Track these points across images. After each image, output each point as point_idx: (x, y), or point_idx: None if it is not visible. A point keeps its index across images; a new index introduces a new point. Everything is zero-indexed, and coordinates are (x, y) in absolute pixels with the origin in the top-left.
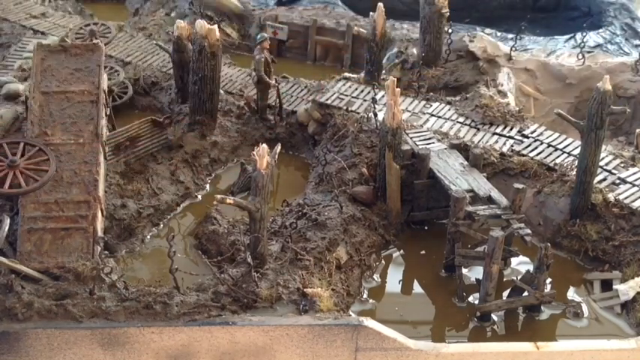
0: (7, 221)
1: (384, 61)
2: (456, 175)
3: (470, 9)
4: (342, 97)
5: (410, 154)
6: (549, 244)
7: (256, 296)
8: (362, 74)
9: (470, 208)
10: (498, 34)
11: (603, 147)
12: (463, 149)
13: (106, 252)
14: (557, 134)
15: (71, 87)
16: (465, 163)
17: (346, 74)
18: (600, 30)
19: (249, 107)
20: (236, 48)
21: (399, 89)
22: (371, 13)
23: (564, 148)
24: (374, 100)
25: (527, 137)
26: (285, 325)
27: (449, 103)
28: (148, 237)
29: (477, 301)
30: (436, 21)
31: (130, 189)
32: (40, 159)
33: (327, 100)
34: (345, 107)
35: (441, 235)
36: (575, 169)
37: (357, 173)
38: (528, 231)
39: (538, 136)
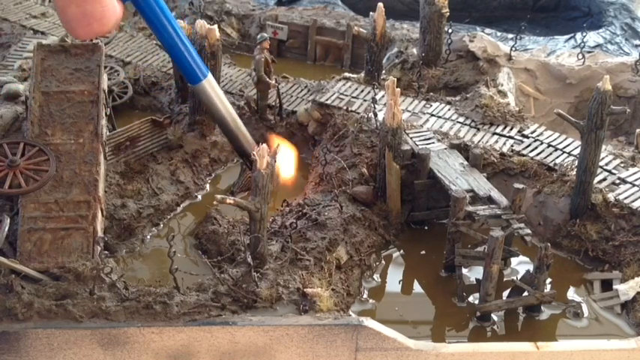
0: (7, 221)
1: (384, 61)
2: (456, 175)
3: (470, 9)
4: (342, 97)
5: (410, 154)
6: (549, 244)
7: (256, 296)
8: (362, 74)
9: (470, 208)
10: (498, 34)
11: (603, 147)
12: (463, 149)
13: (106, 252)
14: (557, 134)
15: (71, 87)
16: (465, 163)
17: (346, 74)
18: (600, 30)
19: (249, 107)
20: (236, 48)
21: (399, 89)
22: (371, 13)
23: (564, 148)
24: (374, 100)
25: (527, 137)
26: (285, 325)
27: (449, 103)
28: (148, 237)
29: (477, 301)
30: (436, 21)
31: (130, 189)
32: (40, 159)
33: (327, 100)
34: (345, 107)
35: (441, 235)
36: (575, 169)
37: (357, 173)
38: (528, 231)
39: (538, 136)
